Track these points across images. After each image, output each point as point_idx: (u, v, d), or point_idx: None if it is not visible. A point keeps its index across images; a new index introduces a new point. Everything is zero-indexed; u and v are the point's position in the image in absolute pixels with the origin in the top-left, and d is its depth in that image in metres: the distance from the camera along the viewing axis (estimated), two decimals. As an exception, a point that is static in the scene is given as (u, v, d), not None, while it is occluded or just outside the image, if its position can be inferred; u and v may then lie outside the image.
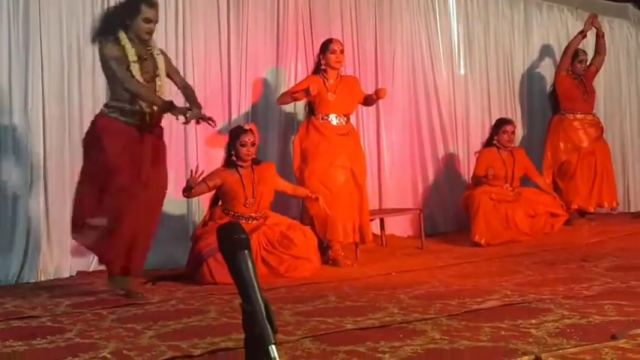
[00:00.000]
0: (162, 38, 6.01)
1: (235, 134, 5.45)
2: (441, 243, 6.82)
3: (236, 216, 5.40)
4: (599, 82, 8.61)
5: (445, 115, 7.84)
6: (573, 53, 7.84)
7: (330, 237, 5.79)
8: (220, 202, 5.52)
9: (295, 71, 6.74)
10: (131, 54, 4.53)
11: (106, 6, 5.69)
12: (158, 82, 4.69)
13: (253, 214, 5.43)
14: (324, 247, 5.81)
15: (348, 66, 6.92)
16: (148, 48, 4.68)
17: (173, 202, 6.00)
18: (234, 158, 5.41)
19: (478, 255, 5.98)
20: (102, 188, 4.56)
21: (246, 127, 5.51)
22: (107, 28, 4.62)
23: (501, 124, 7.14)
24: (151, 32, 4.65)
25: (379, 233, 6.81)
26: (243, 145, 5.38)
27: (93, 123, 4.73)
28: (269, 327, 1.52)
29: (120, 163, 4.53)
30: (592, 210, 7.65)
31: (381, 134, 7.39)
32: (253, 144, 5.43)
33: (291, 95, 6.08)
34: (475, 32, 8.19)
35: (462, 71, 8.09)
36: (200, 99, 6.15)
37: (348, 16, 7.19)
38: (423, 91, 7.73)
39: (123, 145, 4.56)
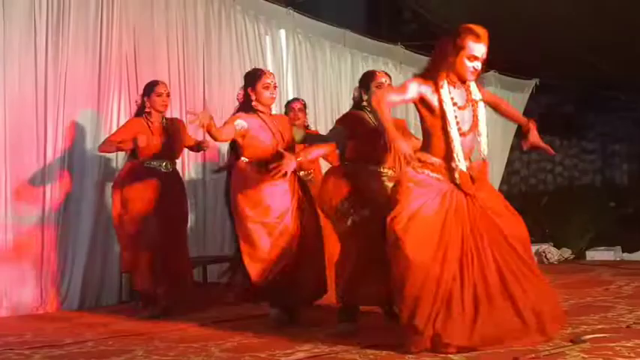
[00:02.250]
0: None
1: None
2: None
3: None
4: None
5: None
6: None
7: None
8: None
9: (118, 113, 6.55)
10: (448, 104, 3.94)
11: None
12: (478, 137, 4.05)
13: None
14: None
15: (174, 108, 6.82)
16: (469, 93, 4.07)
17: None
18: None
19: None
20: None
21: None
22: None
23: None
24: (476, 73, 3.99)
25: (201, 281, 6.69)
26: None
27: None
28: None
29: None
30: None
31: (206, 177, 7.31)
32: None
33: (115, 144, 5.80)
34: (304, 80, 8.34)
35: (292, 118, 8.18)
36: (12, 142, 5.92)
37: (175, 57, 7.08)
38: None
39: None
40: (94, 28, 6.45)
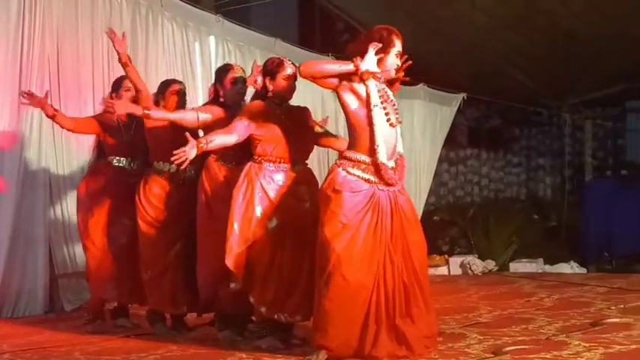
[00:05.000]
0: None
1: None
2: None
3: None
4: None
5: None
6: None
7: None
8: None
9: (40, 116, 6.24)
10: (374, 96, 3.98)
11: None
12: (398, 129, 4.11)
13: None
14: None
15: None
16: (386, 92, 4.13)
17: None
18: None
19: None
20: None
21: None
22: None
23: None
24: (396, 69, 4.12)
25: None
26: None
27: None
28: None
29: None
30: None
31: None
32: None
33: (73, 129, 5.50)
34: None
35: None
36: None
37: (100, 63, 6.85)
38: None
39: None
40: (16, 30, 6.21)
